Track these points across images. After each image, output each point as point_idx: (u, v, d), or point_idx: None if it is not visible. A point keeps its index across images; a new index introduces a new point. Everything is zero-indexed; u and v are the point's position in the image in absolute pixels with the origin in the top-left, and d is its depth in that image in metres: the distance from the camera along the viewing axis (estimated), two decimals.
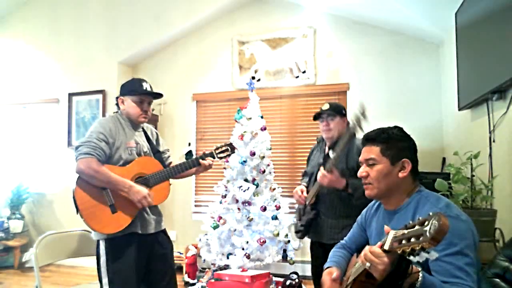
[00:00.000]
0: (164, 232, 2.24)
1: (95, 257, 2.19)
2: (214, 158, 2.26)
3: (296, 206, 2.57)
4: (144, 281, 2.11)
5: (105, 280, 1.99)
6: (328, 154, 2.35)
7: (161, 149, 2.30)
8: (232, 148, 2.33)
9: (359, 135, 2.01)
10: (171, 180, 2.20)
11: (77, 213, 1.97)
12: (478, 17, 2.46)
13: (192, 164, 2.20)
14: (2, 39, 5.35)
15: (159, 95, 2.19)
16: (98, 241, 2.04)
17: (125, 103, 2.14)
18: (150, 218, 2.13)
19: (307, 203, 2.36)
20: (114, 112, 2.22)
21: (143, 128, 2.24)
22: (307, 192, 2.39)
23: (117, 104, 2.19)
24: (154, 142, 2.28)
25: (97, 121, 2.09)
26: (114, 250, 2.00)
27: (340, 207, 2.28)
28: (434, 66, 3.85)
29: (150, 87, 2.18)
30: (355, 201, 2.13)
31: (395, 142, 1.36)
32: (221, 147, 2.31)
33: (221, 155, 2.30)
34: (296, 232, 2.49)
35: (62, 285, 3.93)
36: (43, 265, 2.14)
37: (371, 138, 1.40)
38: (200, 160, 2.22)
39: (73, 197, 1.96)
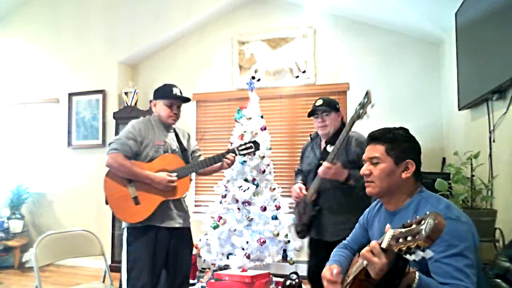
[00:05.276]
0: (187, 230, 2.40)
1: (95, 257, 2.39)
2: (235, 154, 2.34)
3: (295, 206, 2.51)
4: (166, 271, 2.29)
5: (124, 267, 2.19)
6: (326, 149, 2.32)
7: (191, 149, 2.48)
8: (256, 145, 2.38)
9: (363, 120, 2.04)
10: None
11: (106, 204, 2.21)
12: (478, 17, 2.46)
13: (214, 160, 2.31)
14: (2, 39, 5.35)
15: (187, 99, 2.37)
16: (123, 229, 2.25)
17: (157, 106, 2.34)
18: (173, 213, 2.27)
19: (307, 200, 2.32)
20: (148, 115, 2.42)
21: (175, 130, 2.42)
22: (306, 190, 2.34)
23: (150, 107, 2.42)
24: (185, 143, 2.44)
25: (130, 123, 2.32)
26: (133, 239, 2.19)
27: (344, 201, 2.25)
28: (434, 66, 3.84)
29: (180, 92, 2.36)
30: (358, 191, 2.08)
31: (400, 143, 1.36)
32: (244, 144, 2.37)
33: (244, 152, 2.36)
34: (298, 232, 2.44)
35: (62, 285, 3.92)
36: (43, 265, 2.14)
37: (376, 137, 1.40)
38: (224, 157, 2.32)
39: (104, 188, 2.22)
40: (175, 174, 2.21)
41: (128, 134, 2.22)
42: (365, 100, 2.07)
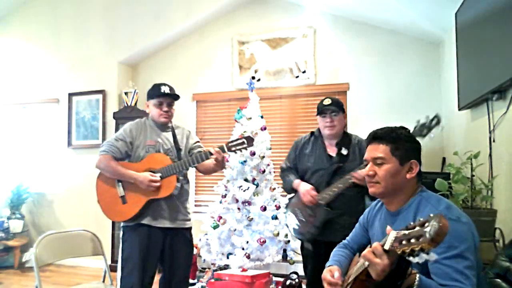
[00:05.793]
0: (185, 230, 2.36)
1: (95, 257, 2.43)
2: (223, 151, 2.24)
3: (293, 206, 2.44)
4: (162, 273, 2.34)
5: (119, 264, 2.26)
6: (341, 152, 2.30)
7: (189, 146, 2.43)
8: (249, 140, 2.25)
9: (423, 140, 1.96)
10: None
11: (98, 203, 2.28)
12: (478, 17, 2.46)
13: (201, 158, 2.24)
14: (2, 39, 5.35)
15: (176, 96, 2.34)
16: (121, 227, 2.32)
17: (149, 106, 2.36)
18: (165, 213, 2.24)
19: (323, 202, 2.24)
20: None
21: (173, 129, 2.40)
22: (317, 191, 2.28)
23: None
24: (184, 141, 2.42)
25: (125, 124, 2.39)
26: (126, 237, 2.25)
27: (354, 202, 2.25)
28: (434, 66, 3.84)
29: (171, 89, 2.33)
30: (370, 199, 2.12)
31: (404, 143, 1.34)
32: (236, 140, 2.26)
33: (235, 148, 2.24)
34: (305, 234, 2.33)
35: (63, 285, 3.92)
36: (43, 265, 2.14)
37: (380, 136, 1.37)
38: (210, 155, 2.23)
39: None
40: (159, 174, 2.18)
41: (118, 136, 2.29)
42: (432, 123, 2.09)
